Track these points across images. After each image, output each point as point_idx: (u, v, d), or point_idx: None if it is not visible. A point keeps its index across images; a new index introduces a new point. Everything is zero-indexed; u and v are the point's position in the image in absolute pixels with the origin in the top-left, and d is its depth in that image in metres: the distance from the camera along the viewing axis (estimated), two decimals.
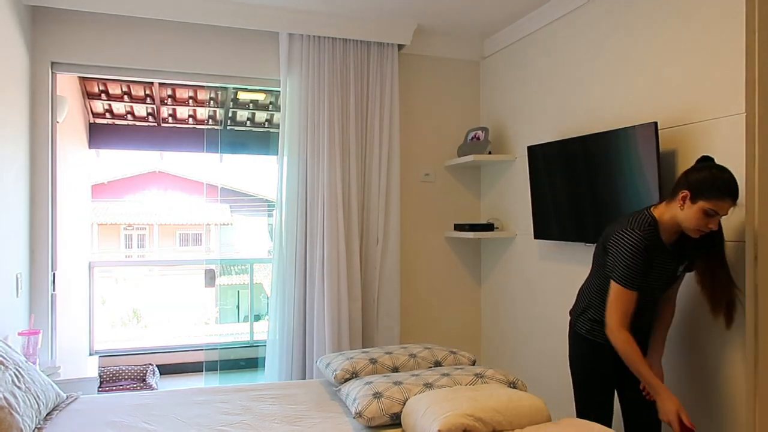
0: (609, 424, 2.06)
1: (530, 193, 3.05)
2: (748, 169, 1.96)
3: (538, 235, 3.01)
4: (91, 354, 3.98)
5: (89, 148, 4.34)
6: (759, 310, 1.96)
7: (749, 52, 1.96)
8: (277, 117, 3.91)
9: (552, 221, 2.92)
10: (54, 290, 2.98)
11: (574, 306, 2.22)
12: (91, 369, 3.08)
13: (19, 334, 2.61)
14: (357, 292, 3.25)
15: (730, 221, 2.02)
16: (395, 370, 2.43)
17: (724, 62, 2.04)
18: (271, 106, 4.49)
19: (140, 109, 4.58)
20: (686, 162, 2.20)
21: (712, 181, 1.76)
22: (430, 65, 3.62)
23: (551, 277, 3.05)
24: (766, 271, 1.96)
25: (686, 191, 1.82)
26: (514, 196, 3.38)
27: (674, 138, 2.25)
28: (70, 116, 3.59)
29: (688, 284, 2.16)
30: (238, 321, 6.63)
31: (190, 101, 4.49)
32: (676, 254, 1.95)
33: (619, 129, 2.40)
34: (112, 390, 3.72)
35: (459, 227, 3.52)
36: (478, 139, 3.43)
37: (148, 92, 4.35)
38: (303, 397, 2.39)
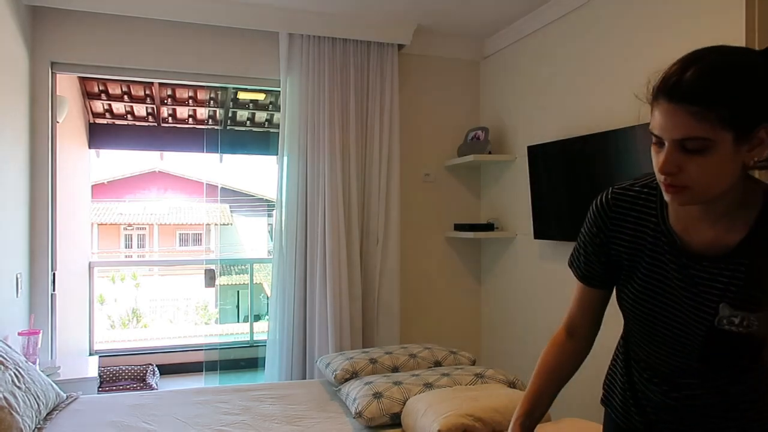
0: None
1: (530, 193, 3.05)
2: None
3: (538, 235, 3.01)
4: (91, 354, 3.98)
5: (89, 148, 4.34)
6: None
7: None
8: (277, 117, 3.91)
9: (552, 221, 2.92)
10: (54, 290, 2.98)
11: None
12: (91, 369, 3.08)
13: (19, 334, 2.61)
14: (357, 292, 3.25)
15: None
16: (395, 370, 2.43)
17: None
18: (271, 106, 4.49)
19: (140, 109, 4.58)
20: None
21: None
22: (430, 65, 3.62)
23: (551, 277, 3.05)
24: None
25: None
26: (514, 196, 3.38)
27: None
28: (70, 116, 3.59)
29: None
30: (238, 321, 6.64)
31: (190, 101, 4.49)
32: (699, 262, 0.94)
33: (619, 129, 2.40)
34: (112, 390, 3.71)
35: (459, 227, 3.52)
36: (478, 139, 3.43)
37: (148, 92, 4.35)
38: (303, 397, 2.39)
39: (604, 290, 1.13)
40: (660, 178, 0.88)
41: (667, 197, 0.90)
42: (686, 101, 0.82)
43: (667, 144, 0.85)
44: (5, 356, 1.97)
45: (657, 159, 0.88)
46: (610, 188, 1.10)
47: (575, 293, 1.18)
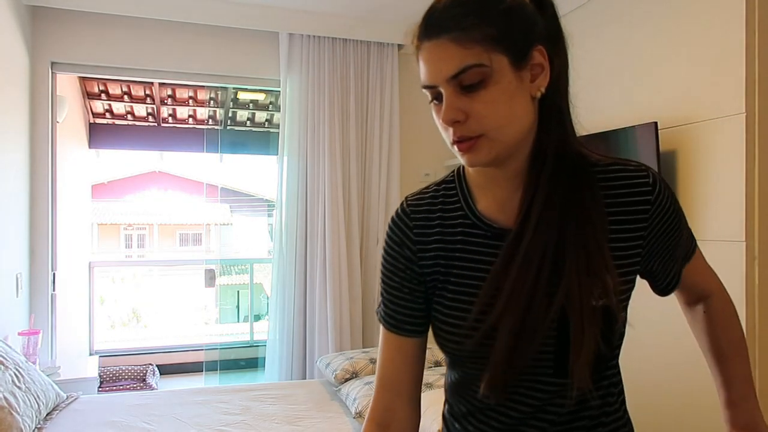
0: None
1: None
2: (748, 169, 1.96)
3: None
4: (91, 354, 3.98)
5: (89, 148, 4.35)
6: (759, 310, 1.96)
7: (749, 52, 1.96)
8: (277, 117, 3.92)
9: None
10: (54, 290, 2.98)
11: None
12: (91, 369, 3.08)
13: (19, 334, 2.61)
14: (357, 292, 3.25)
15: (730, 221, 2.01)
16: None
17: (724, 62, 2.04)
18: (271, 106, 4.49)
19: (140, 109, 4.58)
20: (686, 162, 2.20)
21: None
22: None
23: None
24: (766, 271, 1.96)
25: None
26: None
27: (674, 138, 2.25)
28: (70, 116, 3.59)
29: None
30: (238, 321, 6.63)
31: (190, 101, 4.49)
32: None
33: (619, 129, 2.40)
34: (112, 390, 3.71)
35: None
36: None
37: (148, 92, 4.35)
38: (303, 397, 2.39)
39: (420, 337, 0.86)
40: (450, 138, 0.76)
41: (464, 159, 0.76)
42: (445, 30, 0.70)
43: (443, 90, 0.73)
44: (5, 356, 1.97)
45: (439, 117, 0.76)
46: (404, 199, 0.92)
47: (383, 364, 0.87)
